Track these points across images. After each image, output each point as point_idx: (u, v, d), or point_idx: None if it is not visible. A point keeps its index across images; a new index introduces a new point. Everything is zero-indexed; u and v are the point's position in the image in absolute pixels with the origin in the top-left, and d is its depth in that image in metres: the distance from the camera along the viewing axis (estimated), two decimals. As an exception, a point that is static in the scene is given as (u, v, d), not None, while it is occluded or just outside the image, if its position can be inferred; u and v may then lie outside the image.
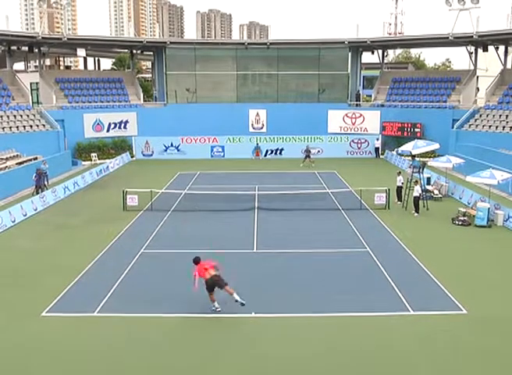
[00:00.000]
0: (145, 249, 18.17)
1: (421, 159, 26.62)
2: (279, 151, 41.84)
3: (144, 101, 47.54)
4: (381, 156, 41.77)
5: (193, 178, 32.59)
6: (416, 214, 23.01)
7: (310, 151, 37.74)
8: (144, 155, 41.59)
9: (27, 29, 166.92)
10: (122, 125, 42.88)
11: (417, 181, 23.56)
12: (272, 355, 10.89)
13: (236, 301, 12.54)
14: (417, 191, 23.03)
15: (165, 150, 41.65)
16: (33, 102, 42.16)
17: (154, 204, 24.47)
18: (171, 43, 46.73)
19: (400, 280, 14.96)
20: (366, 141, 42.24)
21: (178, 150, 41.60)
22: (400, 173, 25.68)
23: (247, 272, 15.73)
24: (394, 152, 38.89)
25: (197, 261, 13.14)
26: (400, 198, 24.93)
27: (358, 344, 11.32)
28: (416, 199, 23.06)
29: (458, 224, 21.38)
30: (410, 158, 27.45)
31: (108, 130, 42.24)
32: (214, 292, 12.90)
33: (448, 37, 40.91)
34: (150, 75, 65.61)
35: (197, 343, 11.45)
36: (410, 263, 16.60)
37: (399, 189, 25.13)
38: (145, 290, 14.45)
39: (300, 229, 20.81)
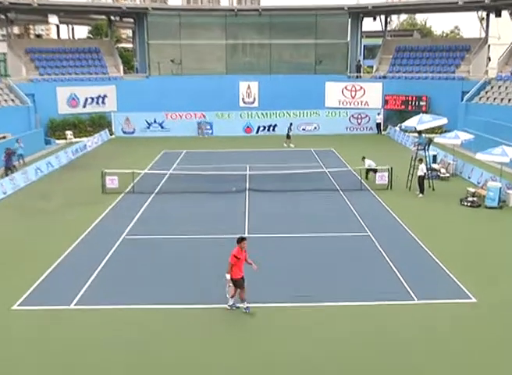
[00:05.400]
0: (127, 235, 18.10)
1: (427, 135, 26.47)
2: (272, 128, 41.70)
3: (124, 73, 47.01)
4: (383, 132, 41.68)
5: (178, 157, 32.48)
6: (420, 195, 23.00)
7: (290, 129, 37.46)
8: (124, 132, 41.34)
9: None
10: (100, 100, 42.46)
11: (421, 159, 23.51)
12: (270, 349, 10.88)
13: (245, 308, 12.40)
14: (421, 169, 23.00)
15: (148, 127, 41.44)
16: (0, 75, 41.55)
17: (137, 186, 24.35)
18: (153, 9, 46.00)
19: (404, 266, 14.98)
20: (367, 115, 42.11)
21: (162, 127, 41.41)
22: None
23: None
24: (397, 128, 38.80)
25: (240, 241, 12.16)
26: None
27: (359, 335, 11.32)
28: (421, 179, 23.01)
29: (467, 205, 21.39)
30: (414, 134, 27.39)
31: (84, 106, 41.82)
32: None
33: (457, 2, 40.53)
34: (130, 44, 64.79)
35: (184, 338, 11.39)
36: (415, 248, 16.62)
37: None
38: (127, 279, 14.37)
39: (294, 211, 20.78)
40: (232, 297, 12.43)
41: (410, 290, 13.42)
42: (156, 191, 24.09)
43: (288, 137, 36.69)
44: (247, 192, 23.60)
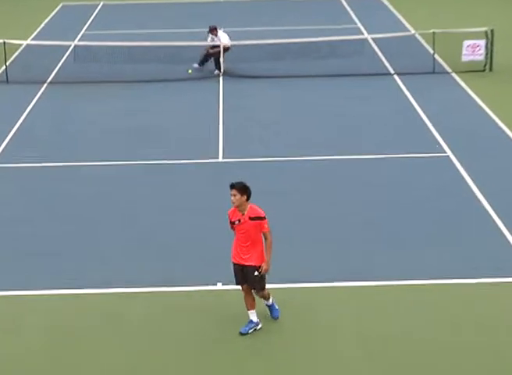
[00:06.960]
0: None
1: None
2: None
3: None
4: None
5: (91, 15, 33.10)
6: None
7: None
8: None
9: None
10: None
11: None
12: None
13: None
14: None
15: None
16: None
17: (13, 70, 24.78)
18: None
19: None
20: None
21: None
22: None
23: (209, 204, 15.68)
24: None
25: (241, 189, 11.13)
26: None
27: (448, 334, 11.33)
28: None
29: None
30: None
31: None
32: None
33: None
34: None
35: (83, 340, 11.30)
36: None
37: None
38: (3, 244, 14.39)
39: (308, 115, 21.01)
40: None
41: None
42: (49, 79, 24.49)
43: None
44: (221, 79, 23.84)
